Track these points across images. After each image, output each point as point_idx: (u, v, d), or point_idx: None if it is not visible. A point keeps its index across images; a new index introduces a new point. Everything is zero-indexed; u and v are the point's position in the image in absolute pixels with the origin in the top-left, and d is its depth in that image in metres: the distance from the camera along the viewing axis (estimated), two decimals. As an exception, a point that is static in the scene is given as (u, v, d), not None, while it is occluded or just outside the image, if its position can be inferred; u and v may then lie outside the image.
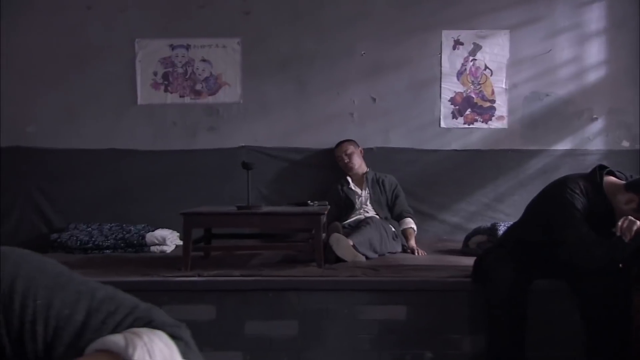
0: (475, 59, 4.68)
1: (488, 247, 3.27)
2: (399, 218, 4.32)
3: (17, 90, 4.65)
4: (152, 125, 4.74)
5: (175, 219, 4.34)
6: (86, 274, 1.23)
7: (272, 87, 4.73)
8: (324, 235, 3.57)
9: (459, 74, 4.70)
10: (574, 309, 2.82)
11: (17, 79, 4.66)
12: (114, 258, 3.94)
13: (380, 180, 4.44)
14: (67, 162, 4.68)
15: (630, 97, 4.60)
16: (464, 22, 4.67)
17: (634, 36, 4.60)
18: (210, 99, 4.74)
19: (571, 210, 2.71)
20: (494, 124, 4.69)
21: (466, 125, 4.71)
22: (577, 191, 2.74)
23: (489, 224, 4.14)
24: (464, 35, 4.68)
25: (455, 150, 4.70)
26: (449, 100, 4.70)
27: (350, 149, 4.50)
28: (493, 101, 4.68)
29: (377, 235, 3.85)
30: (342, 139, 4.57)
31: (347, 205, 4.37)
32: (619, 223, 2.58)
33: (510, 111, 4.68)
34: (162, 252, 4.21)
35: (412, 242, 4.15)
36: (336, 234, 3.57)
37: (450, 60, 4.70)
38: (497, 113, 4.69)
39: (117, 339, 0.90)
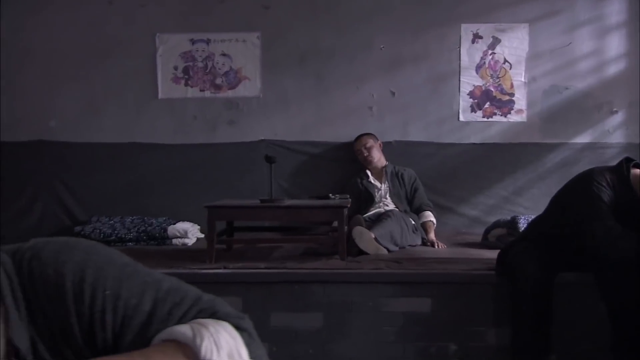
0: (495, 53, 4.64)
1: (511, 240, 3.23)
2: (418, 211, 4.31)
3: (40, 85, 4.68)
4: (172, 119, 4.75)
5: (195, 212, 4.38)
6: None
7: (292, 81, 4.72)
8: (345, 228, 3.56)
9: (478, 68, 4.66)
10: (600, 301, 2.79)
11: (40, 74, 4.68)
12: (137, 250, 3.94)
13: (400, 174, 4.42)
14: (89, 155, 4.70)
15: (651, 90, 4.56)
16: (483, 16, 4.64)
17: (654, 29, 4.55)
18: (230, 93, 4.74)
19: (598, 203, 2.68)
20: (513, 118, 4.66)
21: (485, 119, 4.68)
22: (604, 184, 2.72)
23: (508, 217, 4.11)
24: (483, 28, 4.64)
25: (474, 143, 4.67)
26: (467, 94, 4.67)
27: (370, 142, 4.48)
28: (512, 95, 4.65)
29: (398, 228, 3.84)
30: (361, 133, 4.56)
31: (367, 198, 4.35)
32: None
33: (530, 104, 4.65)
34: (184, 244, 4.22)
35: (432, 235, 4.13)
36: (359, 227, 3.56)
37: (469, 54, 4.66)
38: (516, 106, 4.65)
39: (184, 330, 0.90)
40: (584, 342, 2.92)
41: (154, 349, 0.89)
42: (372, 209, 4.29)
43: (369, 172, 4.46)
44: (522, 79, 4.64)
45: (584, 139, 4.61)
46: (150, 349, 0.89)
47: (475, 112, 4.67)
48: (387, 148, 4.59)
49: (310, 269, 3.11)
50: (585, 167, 4.28)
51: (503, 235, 3.97)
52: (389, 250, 3.63)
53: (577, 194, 2.80)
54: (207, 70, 4.72)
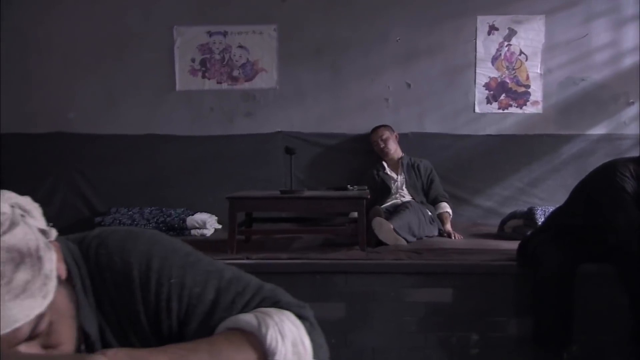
0: (510, 44, 4.60)
1: (532, 231, 3.21)
2: (434, 202, 4.28)
3: (59, 78, 4.67)
4: (190, 111, 4.73)
5: (212, 203, 4.41)
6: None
7: (308, 73, 4.69)
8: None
9: (494, 59, 4.62)
10: (621, 293, 2.77)
11: (59, 67, 4.67)
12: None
13: (416, 165, 4.40)
14: (107, 147, 4.69)
15: (667, 81, 4.51)
16: (499, 8, 4.59)
17: (671, 20, 4.49)
18: (247, 85, 4.72)
19: (621, 194, 2.66)
20: (529, 109, 4.62)
21: (500, 111, 4.64)
22: (628, 174, 2.69)
23: (525, 208, 4.08)
24: (499, 20, 4.60)
25: (490, 135, 4.64)
26: (483, 86, 4.63)
27: (386, 134, 4.46)
28: (528, 86, 4.61)
29: (416, 219, 3.82)
30: (377, 125, 4.54)
31: (383, 189, 4.33)
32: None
33: (545, 96, 4.60)
34: (203, 235, 4.21)
35: (448, 226, 4.11)
36: (378, 218, 3.54)
37: (485, 46, 4.62)
38: (531, 98, 4.61)
39: (249, 319, 0.91)
40: (605, 333, 2.90)
41: (220, 337, 0.90)
42: (388, 200, 4.28)
43: (385, 164, 4.44)
44: (538, 71, 4.60)
45: (599, 130, 4.56)
46: (217, 338, 0.90)
47: (490, 103, 4.64)
48: (403, 140, 4.56)
49: (332, 260, 3.10)
50: (601, 158, 4.28)
51: (519, 226, 3.95)
52: (407, 241, 3.61)
53: (600, 185, 2.78)
54: (224, 63, 4.70)
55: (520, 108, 4.62)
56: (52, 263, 0.84)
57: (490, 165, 4.62)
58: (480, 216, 4.61)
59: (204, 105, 4.73)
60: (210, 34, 4.69)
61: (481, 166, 4.62)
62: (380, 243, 3.50)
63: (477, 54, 4.63)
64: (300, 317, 0.97)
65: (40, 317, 0.79)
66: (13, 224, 0.80)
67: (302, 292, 3.04)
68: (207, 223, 4.27)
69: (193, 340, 0.88)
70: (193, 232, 4.23)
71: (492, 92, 4.63)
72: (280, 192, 3.49)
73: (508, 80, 4.62)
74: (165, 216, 4.33)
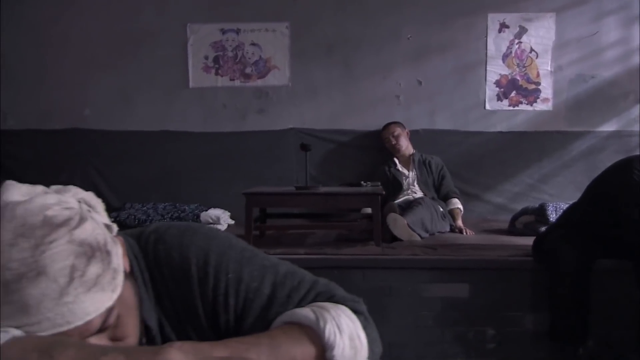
0: (521, 42, 4.57)
1: (548, 227, 3.18)
2: (445, 198, 4.26)
3: (74, 75, 4.66)
4: (203, 108, 4.71)
5: (225, 199, 4.39)
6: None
7: (320, 70, 4.66)
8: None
9: (505, 57, 4.59)
10: (637, 288, 2.74)
11: (74, 64, 4.66)
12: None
13: (427, 162, 4.38)
14: (122, 143, 4.68)
15: (677, 79, 4.48)
16: (510, 5, 4.56)
17: (681, 18, 4.46)
18: (259, 82, 4.69)
19: (638, 191, 2.63)
20: (539, 106, 4.59)
21: (511, 108, 4.61)
22: (645, 171, 2.66)
23: (536, 205, 4.05)
24: (510, 18, 4.57)
25: (500, 132, 4.61)
26: (494, 83, 4.60)
27: (398, 130, 4.44)
28: (538, 83, 4.58)
29: (429, 215, 3.81)
30: (388, 121, 4.51)
31: (395, 186, 4.31)
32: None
33: (555, 93, 4.57)
34: (217, 230, 4.18)
35: (460, 222, 4.10)
36: (393, 214, 3.52)
37: (496, 43, 4.59)
38: (542, 95, 4.58)
39: (306, 313, 0.90)
40: (620, 328, 2.88)
41: (278, 331, 0.89)
42: (400, 196, 4.26)
43: (396, 160, 4.42)
44: (548, 68, 4.56)
45: (609, 127, 4.53)
46: (276, 332, 0.89)
47: (501, 100, 4.61)
48: (414, 136, 4.54)
49: (350, 255, 3.07)
50: (610, 155, 4.27)
51: (531, 222, 3.92)
52: (420, 237, 3.60)
53: (616, 181, 2.74)
54: (237, 60, 4.68)
55: (531, 105, 4.59)
56: (119, 257, 0.85)
57: (500, 162, 4.59)
58: (491, 212, 4.58)
59: (217, 102, 4.71)
60: (223, 31, 4.66)
61: (492, 163, 4.60)
62: (394, 239, 3.48)
63: (488, 51, 4.60)
64: (355, 311, 0.96)
65: (110, 310, 0.80)
66: (82, 219, 0.81)
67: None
68: (221, 218, 4.25)
69: (253, 334, 0.87)
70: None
71: (502, 90, 4.60)
72: (296, 188, 3.47)
73: (519, 78, 4.59)
74: (179, 212, 4.31)
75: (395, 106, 4.66)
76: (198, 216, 4.22)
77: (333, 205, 3.67)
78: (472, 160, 4.60)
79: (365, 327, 0.94)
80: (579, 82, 4.55)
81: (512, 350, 2.97)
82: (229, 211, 4.39)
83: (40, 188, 0.84)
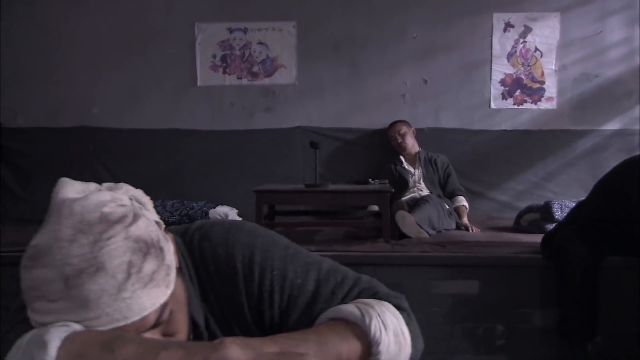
0: (526, 41, 4.56)
1: (557, 224, 3.17)
2: (451, 196, 4.25)
3: (83, 73, 4.64)
4: (211, 106, 4.69)
5: (233, 197, 4.37)
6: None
7: (326, 69, 4.65)
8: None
9: (509, 56, 4.58)
10: (646, 285, 2.74)
11: (83, 62, 4.64)
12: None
13: (433, 160, 4.37)
14: (130, 141, 4.66)
15: (680, 78, 4.47)
16: (515, 5, 4.55)
17: (685, 17, 4.44)
18: (266, 81, 4.68)
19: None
20: (543, 105, 4.58)
21: (516, 106, 4.60)
22: (655, 169, 2.65)
23: (542, 202, 4.03)
24: (515, 17, 4.55)
25: (505, 130, 4.60)
26: (499, 82, 4.59)
27: (404, 129, 4.43)
28: (542, 82, 4.57)
29: (435, 213, 3.79)
30: (394, 120, 4.50)
31: (401, 183, 4.30)
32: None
33: (560, 92, 4.57)
34: (225, 227, 4.16)
35: (465, 219, 4.08)
36: (401, 211, 3.51)
37: (501, 43, 4.58)
38: (546, 94, 4.57)
39: (352, 309, 0.90)
40: (629, 325, 2.87)
41: (325, 327, 0.88)
42: (406, 193, 4.24)
43: (402, 158, 4.40)
44: (553, 67, 4.55)
45: (613, 125, 4.52)
46: (322, 328, 0.88)
47: (506, 99, 4.60)
48: (420, 135, 4.52)
49: (361, 252, 3.06)
50: (614, 153, 4.27)
51: (536, 219, 3.90)
52: (428, 234, 3.58)
53: (627, 179, 2.73)
54: (245, 59, 4.66)
55: (535, 104, 4.58)
56: (171, 254, 0.86)
57: (505, 160, 4.58)
58: (496, 210, 4.57)
59: (225, 100, 4.69)
60: (230, 30, 4.65)
61: (496, 161, 4.59)
62: (402, 236, 3.46)
63: (493, 50, 4.58)
64: (398, 307, 0.96)
65: (164, 306, 0.81)
66: (136, 216, 0.81)
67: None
68: (229, 216, 4.23)
69: (300, 330, 0.87)
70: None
71: (507, 88, 4.59)
72: (305, 186, 3.46)
73: (523, 77, 4.58)
74: (187, 209, 4.29)
75: (401, 105, 4.65)
76: (206, 213, 4.19)
77: (342, 202, 3.65)
78: (477, 158, 4.59)
79: (408, 324, 0.94)
80: (583, 81, 4.54)
81: (521, 346, 2.95)
82: (236, 208, 4.36)
83: (93, 185, 0.85)
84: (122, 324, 0.76)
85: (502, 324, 2.96)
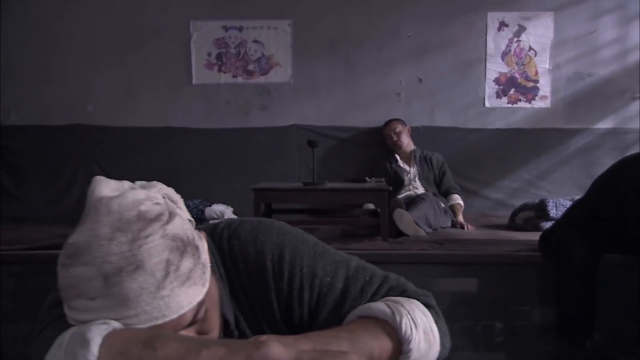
0: (520, 40, 4.54)
1: (555, 222, 3.14)
2: (446, 194, 4.23)
3: (78, 71, 4.57)
4: (206, 104, 4.64)
5: (228, 195, 4.33)
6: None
7: (322, 67, 4.61)
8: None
9: (504, 55, 4.56)
10: (643, 283, 2.72)
11: (78, 60, 4.57)
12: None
13: (428, 158, 4.34)
14: (125, 139, 4.59)
15: (672, 77, 4.47)
16: (509, 4, 4.53)
17: (677, 17, 4.45)
18: (261, 79, 4.63)
19: (646, 186, 2.60)
20: (537, 104, 4.57)
21: (510, 105, 4.59)
22: (654, 167, 2.63)
23: (536, 200, 4.02)
24: (509, 17, 4.54)
25: (499, 129, 4.58)
26: (493, 81, 4.58)
27: (399, 127, 4.40)
28: (536, 81, 4.55)
29: (432, 211, 3.77)
30: (389, 118, 4.47)
31: (396, 182, 4.26)
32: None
33: (553, 91, 4.56)
34: (221, 226, 4.11)
35: (460, 217, 4.06)
36: (399, 210, 3.47)
37: (495, 42, 4.56)
38: (540, 93, 4.56)
39: (382, 307, 0.89)
40: (626, 322, 2.85)
41: (356, 325, 0.87)
42: (402, 192, 4.21)
43: (397, 157, 4.38)
44: (547, 66, 4.54)
45: (606, 124, 4.52)
46: (353, 325, 0.87)
47: (500, 98, 4.58)
48: (415, 133, 4.49)
49: (360, 250, 3.02)
50: (607, 152, 4.26)
51: (531, 217, 3.89)
52: (425, 232, 3.55)
53: (625, 177, 2.71)
54: (240, 57, 4.61)
55: (529, 102, 4.57)
56: (205, 252, 0.84)
57: (499, 159, 4.57)
58: (490, 208, 4.55)
59: (220, 98, 4.64)
60: (226, 28, 4.59)
61: (491, 159, 4.57)
62: (400, 234, 3.43)
63: (487, 49, 4.57)
64: (426, 305, 0.95)
65: (200, 304, 0.80)
66: (172, 214, 0.80)
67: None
68: (225, 214, 4.19)
69: (332, 328, 0.86)
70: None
71: (501, 87, 4.58)
72: (303, 184, 3.42)
73: (517, 76, 4.56)
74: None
75: (396, 103, 4.62)
76: (202, 211, 4.15)
77: (340, 200, 3.62)
78: (472, 156, 4.57)
79: (436, 321, 0.93)
80: (576, 80, 4.53)
81: (520, 344, 2.93)
82: (231, 206, 4.32)
83: (127, 184, 0.84)
84: (160, 322, 0.75)
85: (500, 322, 2.93)
